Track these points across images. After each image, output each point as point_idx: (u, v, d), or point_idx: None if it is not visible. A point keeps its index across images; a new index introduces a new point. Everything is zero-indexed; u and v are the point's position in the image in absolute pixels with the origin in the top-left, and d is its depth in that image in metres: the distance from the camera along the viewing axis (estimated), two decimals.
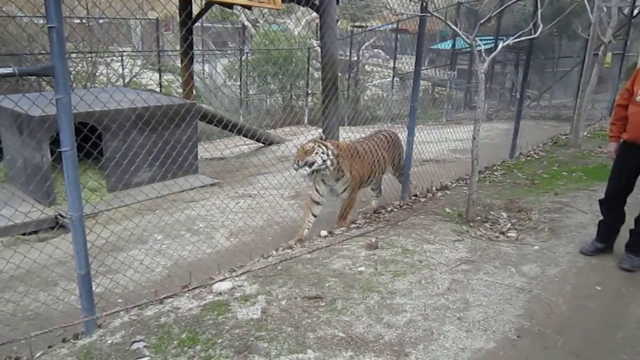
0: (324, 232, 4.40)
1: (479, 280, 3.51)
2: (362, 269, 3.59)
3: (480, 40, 4.83)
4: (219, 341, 2.72)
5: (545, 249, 4.07)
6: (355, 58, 16.70)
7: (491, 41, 13.76)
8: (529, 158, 7.43)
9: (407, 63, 14.37)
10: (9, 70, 2.37)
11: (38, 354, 2.76)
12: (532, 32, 4.76)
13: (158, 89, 12.17)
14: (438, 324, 2.97)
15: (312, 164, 4.19)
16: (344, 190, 4.58)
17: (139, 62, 15.01)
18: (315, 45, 16.44)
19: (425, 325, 2.95)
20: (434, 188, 5.72)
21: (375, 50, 20.56)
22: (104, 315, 2.91)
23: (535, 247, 4.10)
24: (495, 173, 6.51)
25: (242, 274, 3.48)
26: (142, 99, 6.27)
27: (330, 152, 4.27)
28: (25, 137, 5.97)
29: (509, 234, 4.37)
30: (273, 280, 3.40)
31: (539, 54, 13.74)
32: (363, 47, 18.16)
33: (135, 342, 2.76)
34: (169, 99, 7.56)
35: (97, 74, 12.24)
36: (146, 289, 3.72)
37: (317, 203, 4.55)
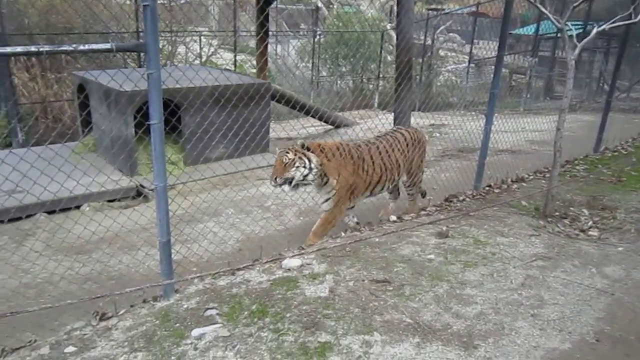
0: (393, 217, 4.36)
1: (555, 278, 3.34)
2: (432, 256, 3.53)
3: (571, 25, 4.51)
4: (288, 315, 2.79)
5: (631, 250, 3.80)
6: (430, 42, 16.24)
7: (580, 27, 12.86)
8: (615, 153, 6.92)
9: (484, 48, 13.78)
10: (107, 45, 2.51)
11: (121, 311, 2.96)
12: (632, 16, 4.38)
13: (232, 69, 12.49)
14: (510, 319, 2.87)
15: (291, 180, 3.80)
16: (326, 201, 4.08)
17: (214, 42, 15.47)
18: (389, 28, 16.14)
19: (496, 319, 2.86)
20: (509, 179, 5.49)
21: (451, 34, 19.88)
22: (181, 281, 3.07)
23: (620, 249, 3.84)
24: (577, 167, 6.13)
25: (311, 252, 3.53)
26: (220, 77, 6.47)
27: (313, 165, 3.84)
28: (113, 111, 6.35)
29: (590, 233, 4.12)
30: (341, 261, 3.43)
31: (633, 41, 12.68)
32: (438, 31, 17.60)
33: (208, 309, 2.89)
34: (245, 78, 7.75)
35: (177, 52, 12.76)
36: (219, 259, 3.88)
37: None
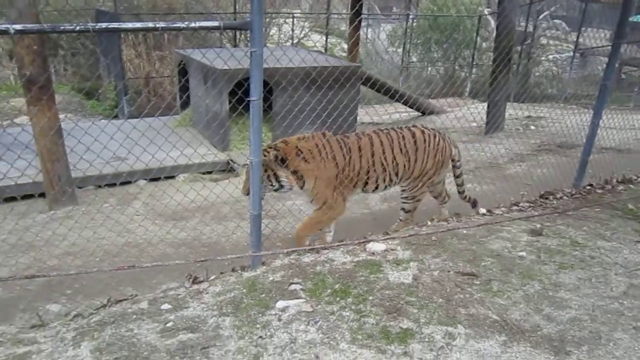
0: (482, 210, 4.20)
1: None
2: (523, 254, 3.36)
3: None
4: (370, 298, 2.80)
5: None
6: (531, 28, 15.24)
7: None
8: None
9: (592, 37, 12.68)
10: (215, 23, 2.61)
11: (212, 277, 3.14)
12: None
13: (322, 51, 12.57)
14: (608, 329, 2.66)
15: (262, 196, 3.63)
16: (311, 201, 3.91)
17: (306, 25, 15.65)
18: (487, 13, 15.36)
19: (592, 327, 2.67)
20: (614, 180, 5.05)
21: (555, 20, 18.51)
22: (268, 255, 3.18)
23: None
24: None
25: (395, 238, 3.50)
26: (311, 58, 6.54)
27: (282, 181, 3.67)
28: (209, 87, 6.66)
29: None
30: (426, 250, 3.36)
31: None
32: (541, 16, 16.44)
33: (292, 283, 2.98)
34: (336, 60, 7.76)
35: (271, 33, 13.08)
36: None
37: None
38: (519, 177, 5.05)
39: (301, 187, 3.80)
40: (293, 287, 2.94)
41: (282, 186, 3.71)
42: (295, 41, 13.73)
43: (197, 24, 2.58)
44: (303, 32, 14.56)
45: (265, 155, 3.57)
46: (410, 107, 9.51)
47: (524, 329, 2.61)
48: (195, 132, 7.22)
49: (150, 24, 2.47)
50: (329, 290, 2.89)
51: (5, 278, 3.31)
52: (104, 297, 3.21)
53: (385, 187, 4.17)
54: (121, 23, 2.42)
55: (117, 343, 2.53)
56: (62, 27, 2.36)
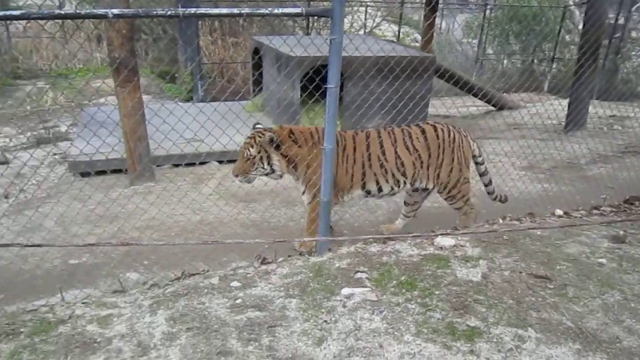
0: (559, 212, 4.00)
1: None
2: (603, 261, 3.17)
3: None
4: (436, 293, 2.76)
5: None
6: (622, 21, 14.14)
7: None
8: None
9: None
10: (298, 10, 2.65)
11: (279, 259, 3.22)
12: None
13: (395, 41, 12.38)
14: None
15: (251, 180, 3.67)
16: (302, 193, 3.77)
17: (378, 13, 15.46)
18: (572, 4, 14.44)
19: None
20: None
21: None
22: (335, 241, 3.22)
23: None
24: None
25: (464, 234, 3.42)
26: (385, 48, 6.47)
27: (274, 165, 3.61)
28: (282, 74, 6.77)
29: None
30: (497, 249, 3.26)
31: None
32: (634, 7, 15.21)
33: (358, 271, 3.00)
34: (409, 51, 7.63)
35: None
36: (370, 227, 3.97)
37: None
38: (601, 179, 4.75)
39: (294, 175, 3.75)
40: (359, 275, 2.96)
41: (273, 170, 3.64)
42: (367, 30, 13.62)
43: (280, 11, 2.63)
44: (375, 21, 14.40)
45: (260, 137, 3.57)
46: (485, 100, 9.18)
47: (601, 339, 2.47)
48: (266, 117, 7.39)
49: (236, 10, 2.55)
50: (394, 282, 2.88)
51: (93, 244, 3.59)
52: (178, 269, 3.39)
53: (392, 188, 3.84)
54: (208, 9, 2.51)
55: (190, 314, 2.67)
56: (154, 12, 2.49)
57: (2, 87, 10.88)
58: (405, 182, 3.82)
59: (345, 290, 2.81)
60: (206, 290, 2.87)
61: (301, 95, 6.41)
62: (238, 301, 2.74)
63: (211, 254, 3.55)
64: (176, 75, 12.14)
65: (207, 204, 4.40)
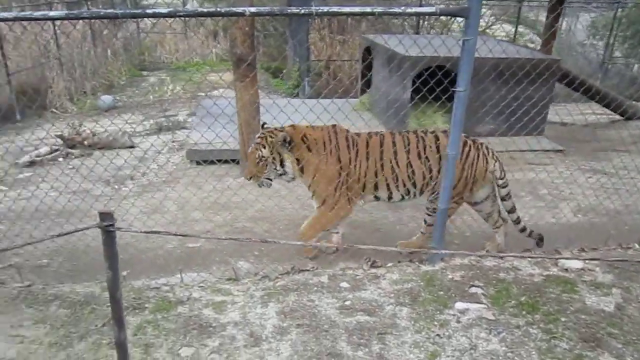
0: None
1: None
2: None
3: None
4: (562, 319, 2.53)
5: None
6: None
7: None
8: None
9: None
10: (432, 9, 2.55)
11: (389, 264, 3.15)
12: None
13: (510, 41, 11.69)
14: None
15: (263, 183, 3.56)
16: (311, 197, 3.62)
17: (490, 13, 14.70)
18: None
19: None
20: None
21: None
22: (449, 252, 3.08)
23: None
24: None
25: (593, 258, 3.11)
26: (500, 49, 6.10)
27: (286, 168, 3.48)
28: (394, 74, 6.66)
29: None
30: (633, 277, 2.92)
31: None
32: None
33: (473, 285, 2.84)
34: (528, 52, 7.14)
35: (452, 22, 12.59)
36: (482, 238, 3.76)
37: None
38: None
39: (302, 178, 3.61)
40: (474, 289, 2.80)
41: (285, 172, 3.53)
42: (481, 29, 13.01)
43: (413, 10, 2.56)
44: (489, 20, 13.73)
45: (272, 137, 3.45)
46: (610, 109, 8.34)
47: None
48: (371, 116, 7.33)
49: (368, 9, 2.51)
50: (513, 301, 2.69)
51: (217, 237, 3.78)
52: (287, 263, 3.46)
53: (402, 196, 3.63)
54: (341, 7, 2.50)
55: (300, 310, 2.69)
56: (288, 10, 2.53)
57: (131, 77, 11.94)
58: (415, 192, 3.60)
59: (459, 305, 2.68)
60: (315, 288, 2.89)
61: (412, 97, 6.26)
62: (347, 303, 2.72)
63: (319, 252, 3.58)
64: (284, 70, 12.52)
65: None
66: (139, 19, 12.54)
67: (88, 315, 2.68)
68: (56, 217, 4.02)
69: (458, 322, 2.55)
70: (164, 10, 2.49)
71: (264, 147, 3.43)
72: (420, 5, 11.26)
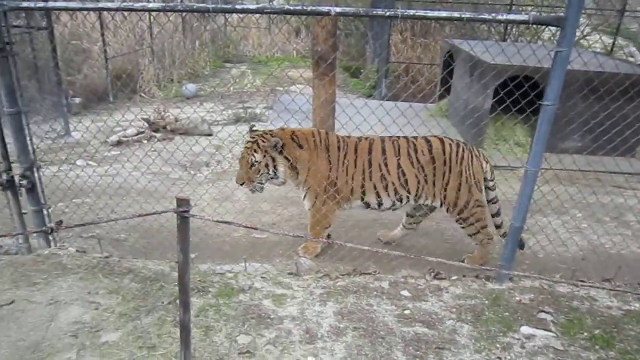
0: None
1: None
2: None
3: None
4: None
5: None
6: None
7: None
8: None
9: None
10: (524, 17, 2.42)
11: (453, 277, 3.05)
12: None
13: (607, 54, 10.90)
14: None
15: (255, 189, 3.55)
16: (303, 198, 3.64)
17: (584, 22, 13.78)
18: None
19: None
20: None
21: None
22: (518, 274, 2.93)
23: None
24: None
25: None
26: (596, 62, 5.70)
27: (278, 172, 3.49)
28: (474, 80, 6.44)
29: None
30: None
31: None
32: None
33: (542, 311, 2.68)
34: (629, 67, 6.62)
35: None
36: (556, 262, 3.55)
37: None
38: None
39: (293, 181, 3.63)
40: (543, 315, 2.65)
41: (277, 176, 3.53)
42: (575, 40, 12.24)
43: (504, 17, 2.44)
44: (585, 31, 12.87)
45: (263, 141, 3.44)
46: None
47: None
48: (449, 124, 7.14)
49: (456, 14, 2.43)
50: (585, 333, 2.51)
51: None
52: (348, 264, 3.45)
53: (394, 203, 3.57)
54: (427, 11, 2.44)
55: (357, 313, 2.68)
56: (374, 12, 2.51)
57: (214, 68, 12.46)
58: (408, 197, 3.56)
59: (525, 329, 2.54)
60: (375, 293, 2.86)
61: (493, 107, 6.02)
62: (407, 312, 2.67)
63: (379, 257, 3.54)
64: (361, 70, 12.48)
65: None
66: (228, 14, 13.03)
67: (156, 292, 2.83)
68: (136, 195, 4.27)
69: (522, 347, 2.42)
70: (252, 7, 2.56)
71: (256, 152, 3.46)
72: (510, 10, 10.79)
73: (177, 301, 2.41)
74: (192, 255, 3.57)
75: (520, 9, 12.07)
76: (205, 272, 3.15)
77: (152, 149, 6.21)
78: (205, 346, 2.40)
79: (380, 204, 3.60)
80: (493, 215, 3.65)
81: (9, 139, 3.01)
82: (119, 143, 6.54)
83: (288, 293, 2.90)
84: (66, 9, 4.15)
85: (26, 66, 6.88)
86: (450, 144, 3.50)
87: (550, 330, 2.53)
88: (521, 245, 3.49)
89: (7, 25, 2.82)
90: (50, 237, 3.37)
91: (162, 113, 7.23)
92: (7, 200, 3.14)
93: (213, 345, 2.41)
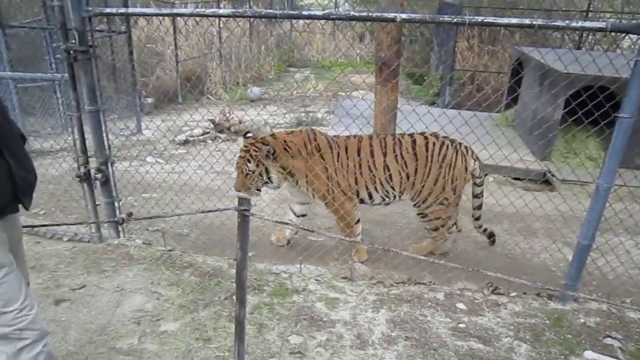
0: None
1: None
2: None
3: None
4: None
5: None
6: None
7: None
8: None
9: None
10: (601, 24, 2.31)
11: (512, 293, 2.94)
12: None
13: None
14: None
15: (257, 191, 3.64)
16: (314, 198, 3.70)
17: None
18: None
19: None
20: None
21: None
22: (585, 296, 2.78)
23: None
24: None
25: None
26: None
27: (272, 178, 3.58)
28: (544, 90, 6.17)
29: None
30: None
31: None
32: None
33: (609, 336, 2.53)
34: None
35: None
36: (627, 285, 3.33)
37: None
38: None
39: (292, 185, 3.70)
40: (609, 341, 2.50)
41: (271, 181, 3.62)
42: None
43: (579, 24, 2.33)
44: None
45: (256, 151, 3.53)
46: None
47: None
48: (515, 134, 6.87)
49: (527, 21, 2.36)
50: None
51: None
52: (403, 273, 3.41)
53: (383, 198, 3.73)
54: (496, 18, 2.38)
55: (410, 322, 2.64)
56: (440, 18, 2.48)
57: (279, 72, 12.72)
58: (394, 194, 3.70)
59: (589, 354, 2.41)
60: (430, 304, 2.81)
61: (564, 118, 5.75)
62: (461, 325, 2.60)
63: (437, 267, 3.46)
64: (425, 77, 12.30)
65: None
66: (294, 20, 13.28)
67: (214, 287, 2.93)
68: (200, 193, 4.44)
69: None
70: (319, 13, 2.61)
71: (249, 162, 3.56)
72: (587, 17, 10.25)
73: (233, 297, 2.49)
74: (250, 254, 3.65)
75: (598, 15, 11.44)
76: (262, 271, 3.22)
77: (217, 149, 6.43)
78: (258, 343, 2.46)
79: (371, 199, 3.76)
80: (476, 208, 3.81)
81: (88, 135, 3.23)
82: (185, 142, 6.83)
83: (341, 297, 2.91)
84: (144, 15, 4.39)
85: (105, 67, 7.37)
86: (434, 143, 3.60)
87: (617, 358, 2.38)
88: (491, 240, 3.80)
89: (92, 30, 3.04)
90: (120, 228, 3.58)
91: (227, 115, 7.48)
92: (84, 191, 3.37)
93: (265, 342, 2.47)
